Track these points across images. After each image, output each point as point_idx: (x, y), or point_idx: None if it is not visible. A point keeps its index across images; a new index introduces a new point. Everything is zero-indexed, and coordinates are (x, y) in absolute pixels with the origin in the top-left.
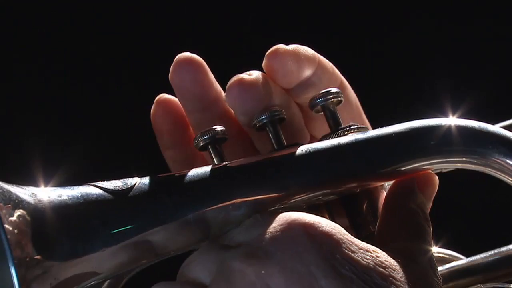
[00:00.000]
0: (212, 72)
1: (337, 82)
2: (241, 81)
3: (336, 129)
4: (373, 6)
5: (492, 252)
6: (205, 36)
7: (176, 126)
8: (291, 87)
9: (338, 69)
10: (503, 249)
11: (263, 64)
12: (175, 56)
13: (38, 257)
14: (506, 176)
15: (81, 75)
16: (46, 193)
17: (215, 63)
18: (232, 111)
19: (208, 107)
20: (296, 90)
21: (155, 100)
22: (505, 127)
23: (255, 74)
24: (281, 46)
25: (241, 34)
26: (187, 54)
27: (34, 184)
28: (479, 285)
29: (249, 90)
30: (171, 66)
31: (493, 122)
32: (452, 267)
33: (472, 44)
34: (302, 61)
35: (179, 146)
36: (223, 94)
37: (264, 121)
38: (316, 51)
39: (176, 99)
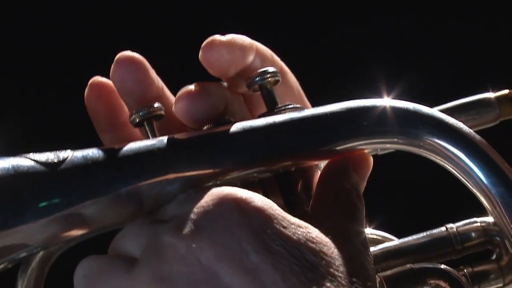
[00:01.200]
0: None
1: (277, 67)
2: (189, 94)
3: (272, 107)
4: None
5: (424, 234)
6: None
7: (110, 109)
8: (229, 77)
9: (276, 54)
10: (434, 231)
11: (199, 56)
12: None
13: None
14: (438, 158)
15: (13, 52)
16: None
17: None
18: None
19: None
20: (236, 79)
21: (88, 83)
22: (442, 111)
23: (203, 86)
24: (216, 36)
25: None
26: (127, 52)
27: None
28: (409, 265)
29: (196, 104)
30: (112, 65)
31: (432, 105)
32: (384, 248)
33: (412, 26)
34: (240, 50)
35: (115, 129)
36: (166, 90)
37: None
38: (255, 39)
39: (110, 82)
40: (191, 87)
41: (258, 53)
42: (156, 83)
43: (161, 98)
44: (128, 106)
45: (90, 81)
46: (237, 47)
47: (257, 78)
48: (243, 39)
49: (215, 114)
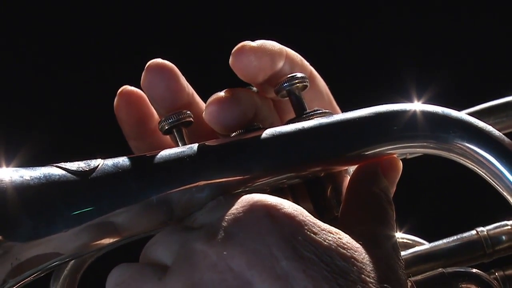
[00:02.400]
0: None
1: (306, 72)
2: (220, 100)
3: (301, 113)
4: None
5: (454, 237)
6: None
7: (140, 117)
8: (260, 82)
9: (306, 59)
10: (465, 234)
11: (230, 62)
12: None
13: None
14: (468, 161)
15: (44, 59)
16: (8, 174)
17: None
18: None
19: None
20: (265, 85)
21: (117, 92)
22: (471, 114)
23: (234, 93)
24: (246, 42)
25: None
26: (158, 60)
27: None
28: (440, 269)
29: (227, 110)
30: (143, 73)
31: (460, 108)
32: (414, 252)
33: (440, 30)
34: (270, 55)
35: (144, 137)
36: (196, 96)
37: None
38: (284, 43)
39: (139, 91)
40: (222, 93)
41: (288, 59)
42: (187, 90)
43: (191, 104)
44: (159, 113)
45: (119, 90)
46: (266, 53)
47: (285, 84)
48: (273, 45)
49: (245, 121)
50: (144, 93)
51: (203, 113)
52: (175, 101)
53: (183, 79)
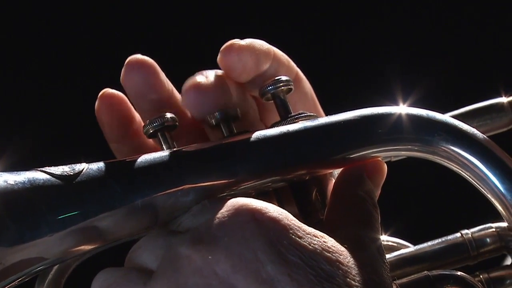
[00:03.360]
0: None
1: (292, 74)
2: (197, 85)
3: (286, 116)
4: None
5: (439, 240)
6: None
7: (121, 120)
8: (246, 81)
9: (293, 60)
10: (449, 237)
11: (218, 59)
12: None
13: None
14: (452, 164)
15: (26, 63)
16: None
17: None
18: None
19: (161, 108)
20: (251, 84)
21: (98, 95)
22: (454, 116)
23: (210, 76)
24: (236, 41)
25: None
26: (137, 56)
27: None
28: (425, 272)
29: (205, 94)
30: (122, 69)
31: (445, 111)
32: (399, 254)
33: (425, 33)
34: (258, 55)
35: (125, 140)
36: (176, 92)
37: (218, 119)
38: (271, 43)
39: (120, 93)
40: (195, 78)
41: (275, 59)
42: (166, 86)
43: (171, 100)
44: (139, 109)
45: (100, 93)
46: (254, 54)
47: (270, 87)
48: (261, 43)
49: (222, 102)
50: (124, 88)
51: (181, 100)
52: (156, 97)
53: (162, 75)
